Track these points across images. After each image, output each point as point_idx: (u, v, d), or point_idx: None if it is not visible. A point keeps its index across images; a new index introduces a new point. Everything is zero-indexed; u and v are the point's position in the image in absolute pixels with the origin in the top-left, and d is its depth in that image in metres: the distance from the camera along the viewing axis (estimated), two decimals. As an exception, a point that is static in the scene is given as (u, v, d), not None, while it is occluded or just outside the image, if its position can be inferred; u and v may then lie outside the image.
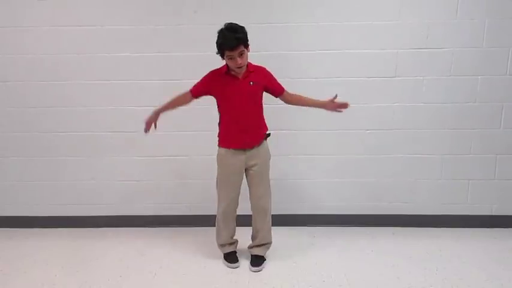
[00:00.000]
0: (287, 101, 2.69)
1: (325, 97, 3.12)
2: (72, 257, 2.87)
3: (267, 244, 2.77)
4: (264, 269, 2.68)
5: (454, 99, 3.11)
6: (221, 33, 2.35)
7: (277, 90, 2.63)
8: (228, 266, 2.71)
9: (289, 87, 3.12)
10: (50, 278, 2.60)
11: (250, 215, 2.74)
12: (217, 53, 2.40)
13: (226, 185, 2.63)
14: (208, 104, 3.02)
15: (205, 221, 3.30)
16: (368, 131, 3.19)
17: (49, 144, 3.26)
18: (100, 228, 3.34)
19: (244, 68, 2.45)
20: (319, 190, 3.29)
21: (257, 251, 2.74)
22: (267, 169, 2.66)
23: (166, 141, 3.25)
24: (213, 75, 2.53)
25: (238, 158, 2.55)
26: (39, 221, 3.37)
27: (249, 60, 2.53)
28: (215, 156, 3.16)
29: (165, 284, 2.51)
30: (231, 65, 2.40)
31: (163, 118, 3.20)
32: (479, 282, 2.48)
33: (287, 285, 2.47)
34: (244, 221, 2.77)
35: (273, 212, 3.29)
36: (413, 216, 3.28)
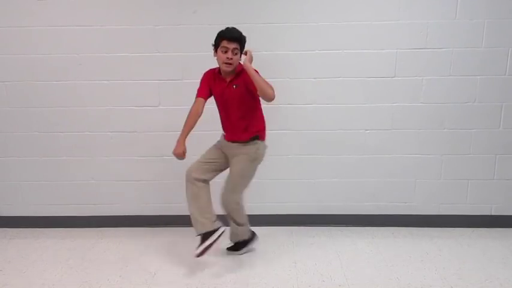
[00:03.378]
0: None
1: (325, 97, 3.15)
2: (72, 257, 2.87)
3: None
4: (264, 269, 2.68)
5: (454, 99, 3.11)
6: (225, 28, 2.47)
7: (254, 86, 2.43)
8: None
9: (288, 87, 3.14)
10: (50, 278, 2.60)
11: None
12: (212, 45, 2.49)
13: (203, 155, 2.72)
14: (208, 104, 3.02)
15: (205, 221, 3.31)
16: (368, 131, 3.19)
17: (49, 144, 3.27)
18: (100, 228, 3.34)
19: (231, 69, 2.50)
20: (319, 190, 3.29)
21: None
22: (246, 168, 2.63)
23: (166, 141, 3.25)
24: (209, 73, 2.65)
25: (226, 146, 2.69)
26: (39, 221, 3.37)
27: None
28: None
29: (164, 284, 2.51)
30: (221, 57, 2.45)
31: (163, 118, 3.22)
32: (479, 282, 2.49)
33: (287, 285, 2.47)
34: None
35: (273, 212, 3.32)
36: (413, 216, 3.28)
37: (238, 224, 2.76)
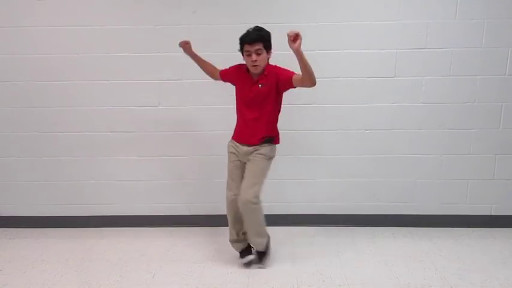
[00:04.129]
0: (301, 81, 2.44)
1: (325, 97, 3.15)
2: (72, 257, 2.87)
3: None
4: (264, 269, 2.68)
5: (453, 99, 3.11)
6: (247, 30, 2.44)
7: (289, 77, 2.44)
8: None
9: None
10: (50, 278, 2.60)
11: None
12: (239, 50, 2.48)
13: (228, 174, 2.67)
14: (208, 104, 3.03)
15: (205, 221, 3.31)
16: (368, 131, 3.19)
17: (49, 144, 3.26)
18: (100, 228, 3.34)
19: (260, 70, 2.47)
20: (319, 190, 3.29)
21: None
22: (263, 164, 2.59)
23: (166, 141, 3.25)
24: (239, 67, 2.62)
25: (235, 150, 2.62)
26: (39, 221, 3.37)
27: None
28: (215, 156, 3.19)
29: (165, 284, 2.51)
30: (247, 61, 2.46)
31: (163, 118, 3.22)
32: (479, 282, 2.49)
33: (287, 285, 2.47)
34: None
35: (273, 212, 3.30)
36: (412, 216, 3.28)
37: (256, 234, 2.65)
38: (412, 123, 3.16)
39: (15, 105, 3.22)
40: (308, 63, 2.34)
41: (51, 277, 2.60)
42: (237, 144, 2.62)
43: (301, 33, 2.24)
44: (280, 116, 3.11)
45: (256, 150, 2.56)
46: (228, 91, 2.67)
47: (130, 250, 2.96)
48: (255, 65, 2.43)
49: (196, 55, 2.73)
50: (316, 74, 3.09)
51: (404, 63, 3.07)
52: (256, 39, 2.38)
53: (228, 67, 2.67)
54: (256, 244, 2.68)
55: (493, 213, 3.26)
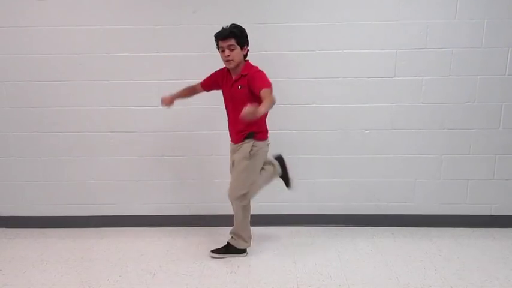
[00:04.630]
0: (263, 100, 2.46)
1: (325, 97, 3.15)
2: (72, 257, 2.87)
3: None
4: (264, 269, 2.68)
5: (453, 99, 3.11)
6: (222, 27, 2.55)
7: (256, 90, 2.46)
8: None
9: (288, 87, 3.14)
10: (50, 278, 2.60)
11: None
12: (216, 47, 2.58)
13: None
14: (207, 105, 3.03)
15: (205, 221, 3.31)
16: (368, 131, 3.19)
17: (49, 144, 3.26)
18: (100, 228, 3.34)
19: (234, 65, 2.54)
20: (319, 190, 3.29)
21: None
22: (243, 164, 2.63)
23: (166, 141, 3.25)
24: (220, 71, 2.72)
25: (232, 151, 2.76)
26: (39, 221, 3.37)
27: (250, 61, 2.60)
28: (215, 156, 3.19)
29: (165, 284, 2.51)
30: (221, 57, 2.56)
31: (163, 118, 3.22)
32: (479, 282, 2.49)
33: (287, 285, 2.47)
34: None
35: (273, 212, 3.31)
36: (412, 216, 3.28)
37: (235, 233, 2.80)
38: (412, 123, 3.16)
39: (15, 105, 3.22)
40: (267, 108, 2.35)
41: (51, 277, 2.61)
42: (231, 143, 2.77)
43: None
44: (281, 116, 3.12)
45: (238, 150, 2.67)
46: (228, 91, 2.67)
47: (130, 250, 2.96)
48: (228, 60, 2.52)
49: (178, 96, 2.81)
50: (316, 74, 3.12)
51: (405, 63, 3.07)
52: (228, 35, 2.48)
53: (206, 78, 2.76)
54: (231, 235, 2.83)
55: (493, 213, 3.26)
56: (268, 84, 2.46)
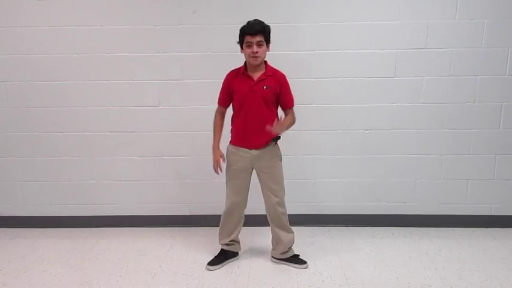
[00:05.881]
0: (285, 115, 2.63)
1: (325, 97, 3.15)
2: (72, 257, 2.87)
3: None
4: (264, 269, 2.68)
5: (454, 99, 3.11)
6: (247, 22, 2.43)
7: (285, 104, 2.57)
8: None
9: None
10: (50, 278, 2.60)
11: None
12: (238, 42, 2.46)
13: (232, 182, 2.64)
14: (208, 105, 3.02)
15: (205, 221, 3.31)
16: (368, 131, 3.19)
17: (49, 144, 3.26)
18: (100, 228, 3.34)
19: (259, 62, 2.46)
20: (319, 190, 3.29)
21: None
22: (277, 170, 2.61)
23: (166, 141, 3.25)
24: (230, 75, 2.58)
25: (243, 157, 2.56)
26: (39, 221, 3.37)
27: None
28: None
29: (165, 284, 2.51)
30: (247, 52, 2.42)
31: (163, 118, 3.22)
32: (478, 282, 2.49)
33: (287, 285, 2.47)
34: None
35: (273, 212, 3.28)
36: (412, 216, 3.28)
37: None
38: (412, 123, 3.16)
39: (15, 105, 3.22)
40: (289, 127, 2.55)
41: (51, 277, 2.61)
42: (240, 148, 2.57)
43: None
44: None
45: (262, 156, 2.54)
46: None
47: (130, 250, 2.96)
48: (255, 56, 2.41)
49: (216, 139, 2.63)
50: (316, 74, 3.12)
51: (405, 63, 3.07)
52: (259, 30, 2.38)
53: (219, 94, 2.63)
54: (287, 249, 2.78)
55: (493, 213, 3.26)
56: (293, 102, 2.60)
